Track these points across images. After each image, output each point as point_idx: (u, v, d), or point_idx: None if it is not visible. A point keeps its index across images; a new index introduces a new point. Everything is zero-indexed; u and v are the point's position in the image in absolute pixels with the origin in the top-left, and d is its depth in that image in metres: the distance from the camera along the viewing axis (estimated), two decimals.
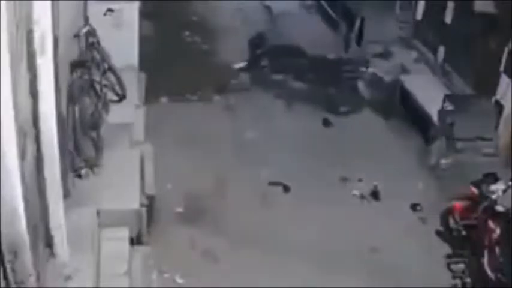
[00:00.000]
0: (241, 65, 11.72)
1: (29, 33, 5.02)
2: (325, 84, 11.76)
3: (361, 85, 11.91)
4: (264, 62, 11.83)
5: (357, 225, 8.68)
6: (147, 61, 10.40)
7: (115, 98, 8.38)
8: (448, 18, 11.42)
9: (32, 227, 4.73)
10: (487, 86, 10.03)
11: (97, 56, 7.96)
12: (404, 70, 11.99)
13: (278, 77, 11.81)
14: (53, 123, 5.48)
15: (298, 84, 11.80)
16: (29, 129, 5.10)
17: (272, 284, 7.50)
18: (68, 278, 5.77)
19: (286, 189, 9.39)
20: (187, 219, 8.61)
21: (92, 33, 7.85)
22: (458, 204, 8.19)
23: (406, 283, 7.68)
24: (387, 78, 11.94)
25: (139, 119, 9.15)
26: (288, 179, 9.47)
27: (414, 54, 12.57)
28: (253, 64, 11.92)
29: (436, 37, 12.02)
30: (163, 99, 11.31)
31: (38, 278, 4.85)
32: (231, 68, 12.12)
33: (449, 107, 9.88)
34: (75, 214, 6.32)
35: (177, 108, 11.06)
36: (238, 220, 8.62)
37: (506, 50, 9.62)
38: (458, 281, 7.77)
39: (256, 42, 12.26)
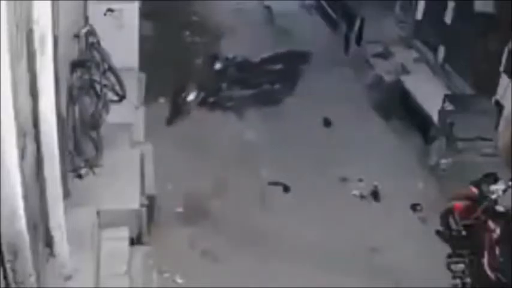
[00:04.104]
0: (192, 96, 11.00)
1: (29, 33, 5.02)
2: (271, 83, 11.67)
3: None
4: (223, 84, 11.42)
5: (357, 225, 8.68)
6: (147, 61, 10.40)
7: (115, 98, 8.37)
8: (448, 18, 11.41)
9: (32, 227, 4.72)
10: (487, 86, 10.03)
11: (97, 56, 7.95)
12: (404, 70, 11.99)
13: (229, 93, 11.46)
14: (53, 123, 5.47)
15: (245, 92, 11.53)
16: (29, 129, 5.10)
17: (272, 284, 7.51)
18: (68, 278, 5.77)
19: (286, 189, 9.39)
20: (187, 219, 8.61)
21: (92, 33, 7.85)
22: (458, 204, 8.18)
23: (406, 283, 7.68)
24: (387, 78, 11.95)
25: (139, 119, 9.15)
26: (288, 179, 9.47)
27: (414, 54, 12.56)
28: (209, 91, 11.32)
29: (436, 37, 12.01)
30: (163, 99, 11.30)
31: (38, 278, 4.84)
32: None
33: (449, 107, 9.87)
34: (75, 214, 6.31)
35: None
36: (238, 220, 8.62)
37: (506, 50, 9.62)
38: (458, 281, 7.77)
39: (216, 68, 11.70)
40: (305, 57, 12.11)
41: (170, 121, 10.74)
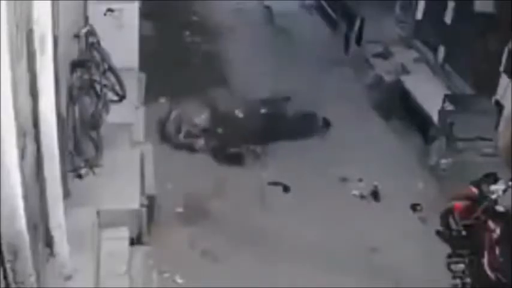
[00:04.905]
0: (202, 142, 10.46)
1: (29, 33, 5.01)
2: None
3: None
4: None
5: (357, 225, 8.68)
6: (147, 61, 10.40)
7: (115, 98, 8.37)
8: (448, 18, 11.41)
9: (32, 227, 4.72)
10: (487, 86, 10.03)
11: (97, 56, 7.95)
12: (404, 70, 12.00)
13: None
14: (53, 123, 5.46)
15: None
16: (29, 129, 5.09)
17: (272, 284, 7.51)
18: (68, 278, 5.76)
19: (286, 189, 9.39)
20: (187, 219, 8.61)
21: (92, 33, 7.84)
22: (458, 204, 8.18)
23: (406, 283, 7.68)
24: (387, 78, 11.96)
25: (139, 119, 9.15)
26: (288, 179, 9.47)
27: (414, 54, 12.57)
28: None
29: (436, 37, 12.02)
30: (163, 99, 11.30)
31: (38, 278, 4.84)
32: None
33: (449, 107, 9.88)
34: (75, 214, 6.30)
35: (176, 109, 11.05)
36: (238, 220, 8.62)
37: (506, 50, 9.63)
38: (458, 281, 7.77)
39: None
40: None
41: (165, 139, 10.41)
